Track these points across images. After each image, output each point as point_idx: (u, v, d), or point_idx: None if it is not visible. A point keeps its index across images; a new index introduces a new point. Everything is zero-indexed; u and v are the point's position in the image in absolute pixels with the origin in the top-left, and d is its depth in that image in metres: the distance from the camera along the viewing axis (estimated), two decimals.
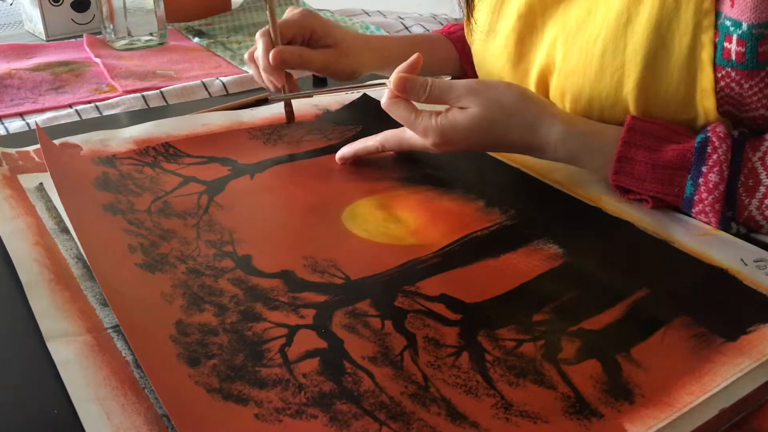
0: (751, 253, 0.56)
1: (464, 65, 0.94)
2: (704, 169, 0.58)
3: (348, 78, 0.84)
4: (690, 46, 0.59)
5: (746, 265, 0.54)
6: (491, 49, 0.78)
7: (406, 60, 0.87)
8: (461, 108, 0.63)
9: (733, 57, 0.58)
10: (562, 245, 0.57)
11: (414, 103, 0.65)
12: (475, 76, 0.88)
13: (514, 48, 0.74)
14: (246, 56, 0.82)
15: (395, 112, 0.65)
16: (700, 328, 0.47)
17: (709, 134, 0.59)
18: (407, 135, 0.67)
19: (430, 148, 0.66)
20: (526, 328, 0.47)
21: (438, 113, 0.64)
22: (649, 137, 0.61)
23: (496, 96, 0.63)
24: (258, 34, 0.79)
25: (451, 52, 0.93)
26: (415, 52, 0.87)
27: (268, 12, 0.77)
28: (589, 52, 0.65)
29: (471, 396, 0.42)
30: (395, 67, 0.87)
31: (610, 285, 0.52)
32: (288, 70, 0.80)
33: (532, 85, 0.73)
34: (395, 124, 0.81)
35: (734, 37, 0.57)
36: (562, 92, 0.68)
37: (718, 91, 0.60)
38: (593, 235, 0.59)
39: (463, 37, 0.93)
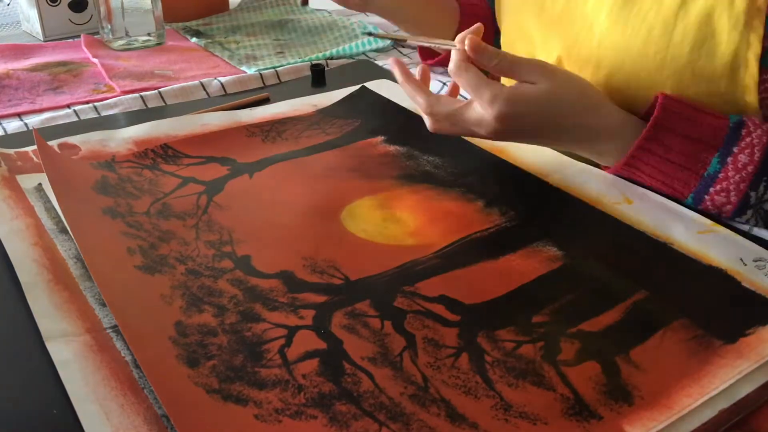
0: (751, 252, 0.56)
1: (462, 18, 0.96)
2: (735, 149, 0.59)
3: (358, 6, 0.85)
4: (738, 42, 0.59)
5: (745, 265, 0.54)
6: (528, 6, 0.76)
7: (414, 3, 0.87)
8: (530, 83, 0.63)
9: None
10: (562, 247, 0.57)
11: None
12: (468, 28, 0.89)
13: (561, 5, 0.72)
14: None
15: (463, 77, 0.63)
16: (699, 331, 0.47)
17: (744, 118, 0.60)
18: (462, 108, 0.64)
19: (487, 123, 0.62)
20: (525, 330, 0.47)
21: (506, 85, 0.63)
22: (683, 117, 0.61)
23: (565, 75, 0.64)
24: None
25: (454, 14, 0.94)
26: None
27: None
28: (635, 28, 0.64)
29: (470, 397, 0.42)
30: (402, 9, 0.89)
31: (609, 287, 0.52)
32: None
33: (559, 45, 0.71)
34: (394, 117, 0.81)
35: None
36: (598, 63, 0.67)
37: (761, 93, 0.60)
38: (593, 237, 0.60)
39: (470, 13, 0.93)
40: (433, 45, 0.71)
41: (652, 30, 0.63)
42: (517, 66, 0.63)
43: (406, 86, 0.68)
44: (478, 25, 0.66)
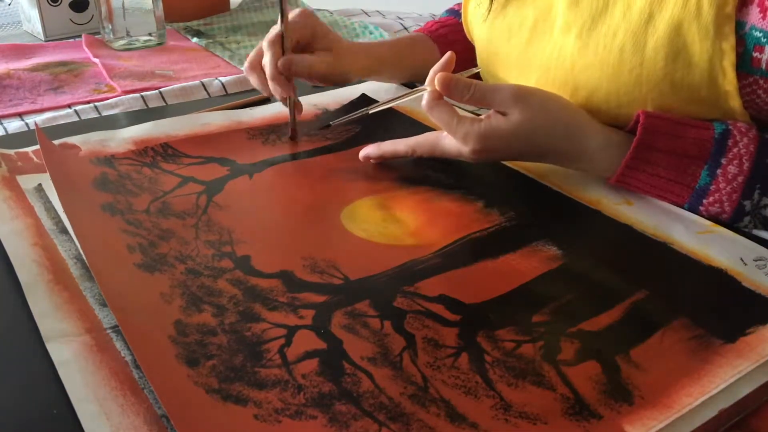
0: (751, 252, 0.56)
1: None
2: (723, 161, 0.59)
3: (342, 83, 0.84)
4: (710, 52, 0.59)
5: (746, 264, 0.54)
6: (498, 29, 0.76)
7: (392, 64, 0.87)
8: (503, 114, 0.62)
9: (763, 66, 0.58)
10: (561, 247, 0.57)
11: (455, 108, 0.65)
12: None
13: (528, 33, 0.72)
14: (247, 65, 0.79)
15: (437, 115, 0.64)
16: (699, 330, 0.47)
17: (730, 127, 0.59)
18: (443, 142, 0.66)
19: (467, 156, 0.64)
20: (525, 329, 0.47)
21: (479, 119, 0.63)
22: (665, 134, 0.61)
23: (540, 102, 0.63)
24: (266, 43, 0.76)
25: (433, 53, 0.92)
26: (400, 54, 0.87)
27: (280, 20, 0.75)
28: (606, 47, 0.64)
29: (470, 397, 0.42)
30: (383, 72, 0.87)
31: (609, 286, 0.52)
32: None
33: (535, 74, 0.71)
34: (394, 124, 0.81)
35: (767, 48, 0.57)
36: (575, 86, 0.67)
37: (744, 96, 0.60)
38: (592, 236, 0.60)
39: (445, 35, 0.92)
40: (405, 100, 0.72)
41: (624, 47, 0.62)
42: (490, 95, 0.63)
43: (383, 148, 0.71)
44: (448, 54, 0.66)
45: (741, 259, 0.55)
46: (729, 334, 0.47)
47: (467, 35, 0.87)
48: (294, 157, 0.73)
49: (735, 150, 0.59)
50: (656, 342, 0.46)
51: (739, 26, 0.58)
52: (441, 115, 0.64)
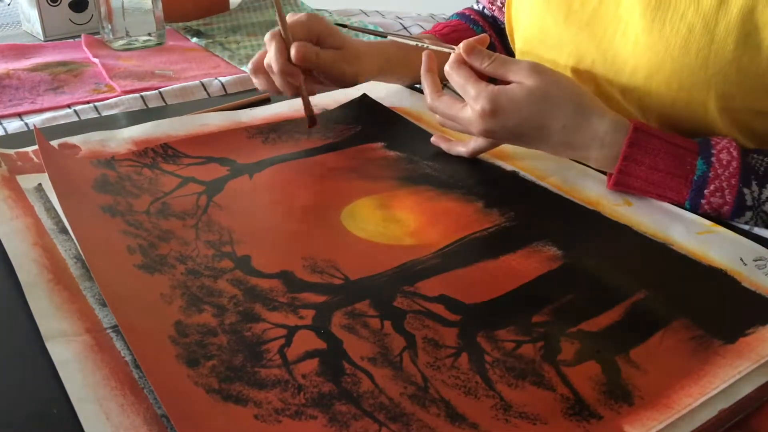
0: (751, 252, 0.56)
1: None
2: (714, 150, 0.60)
3: (350, 84, 0.83)
4: None
5: (745, 264, 0.54)
6: (554, 8, 0.75)
7: (401, 64, 0.86)
8: (518, 83, 0.64)
9: None
10: (561, 247, 0.57)
11: (474, 73, 0.66)
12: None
13: (590, 11, 0.71)
14: (251, 68, 0.79)
15: (454, 77, 0.65)
16: (699, 331, 0.47)
17: (708, 138, 0.62)
18: (457, 113, 0.67)
19: (476, 121, 0.64)
20: (525, 330, 0.47)
21: (492, 84, 0.64)
22: (656, 131, 0.63)
23: (554, 76, 0.64)
24: (267, 38, 0.76)
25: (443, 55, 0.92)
26: (408, 54, 0.86)
27: (276, 13, 0.75)
28: (674, 27, 0.63)
29: (470, 397, 0.42)
30: (392, 72, 0.87)
31: (609, 287, 0.52)
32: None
33: (592, 54, 0.71)
34: (395, 125, 0.81)
35: None
36: (635, 66, 0.66)
37: None
38: (592, 237, 0.60)
39: (456, 39, 0.92)
40: (431, 48, 0.72)
41: (693, 28, 0.62)
42: (508, 66, 0.64)
43: (423, 79, 0.71)
44: (484, 35, 0.67)
45: (741, 259, 0.55)
46: (729, 335, 0.47)
47: (508, 27, 0.85)
48: (294, 156, 0.73)
49: (720, 144, 0.61)
50: (656, 342, 0.46)
51: None
52: (458, 77, 0.65)
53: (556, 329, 0.47)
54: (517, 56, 0.82)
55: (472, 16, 0.95)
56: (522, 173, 0.70)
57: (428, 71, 0.70)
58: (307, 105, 0.78)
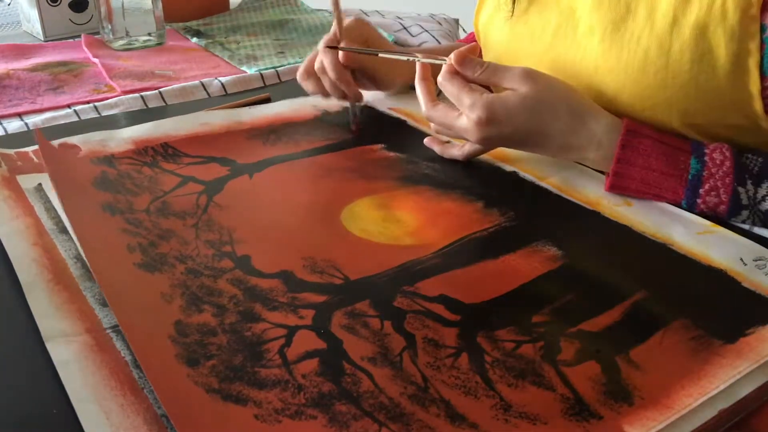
0: (751, 252, 0.56)
1: None
2: (706, 150, 0.61)
3: (384, 90, 0.86)
4: (736, 53, 0.59)
5: (745, 265, 0.54)
6: (519, 34, 0.76)
7: (437, 75, 0.87)
8: (512, 90, 0.64)
9: None
10: (561, 247, 0.57)
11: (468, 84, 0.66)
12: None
13: (550, 37, 0.72)
14: (301, 72, 0.83)
15: (448, 87, 0.66)
16: (699, 331, 0.47)
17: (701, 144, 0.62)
18: (453, 121, 0.67)
19: (472, 130, 0.65)
20: (525, 330, 0.47)
21: (487, 92, 0.65)
22: (649, 129, 0.63)
23: (547, 81, 0.65)
24: (322, 46, 0.79)
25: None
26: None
27: (335, 23, 0.78)
28: (630, 50, 0.64)
29: (470, 397, 0.42)
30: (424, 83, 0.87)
31: (609, 287, 0.52)
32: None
33: (559, 77, 0.70)
34: (394, 132, 0.81)
35: None
36: (599, 89, 0.67)
37: (764, 100, 0.60)
38: (592, 237, 0.60)
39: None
40: (424, 61, 0.72)
41: (648, 51, 0.63)
42: (501, 72, 0.65)
43: (418, 86, 0.71)
44: (473, 44, 0.69)
45: (741, 259, 0.55)
46: (729, 335, 0.47)
47: (477, 42, 0.86)
48: (294, 157, 0.73)
49: (711, 145, 0.61)
50: (656, 342, 0.46)
51: (761, 29, 0.59)
52: (452, 87, 0.65)
53: (556, 329, 0.47)
54: None
55: None
56: (522, 173, 0.70)
57: (422, 80, 0.70)
58: (354, 113, 0.82)
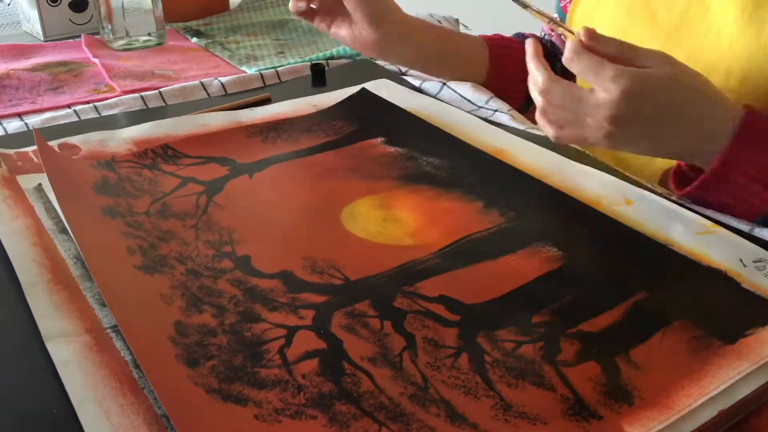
0: (750, 253, 0.56)
1: (492, 70, 0.90)
2: None
3: (392, 56, 0.84)
4: None
5: (745, 266, 0.54)
6: (638, 17, 0.72)
7: (440, 56, 0.84)
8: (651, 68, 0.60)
9: None
10: (561, 247, 0.57)
11: None
12: (498, 81, 0.86)
13: (677, 18, 0.69)
14: None
15: (581, 62, 0.60)
16: (699, 331, 0.47)
17: None
18: (580, 95, 0.61)
19: (611, 104, 0.58)
20: (525, 330, 0.47)
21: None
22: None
23: (686, 66, 0.61)
24: None
25: (483, 51, 0.90)
26: (448, 47, 0.86)
27: None
28: None
29: (470, 397, 0.42)
30: (431, 63, 0.85)
31: (609, 287, 0.52)
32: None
33: (680, 55, 0.65)
34: (394, 122, 0.81)
35: None
36: (728, 67, 0.64)
37: None
38: (592, 237, 0.60)
39: (499, 42, 0.91)
40: (554, 25, 0.67)
41: None
42: (637, 51, 0.60)
43: (532, 62, 0.65)
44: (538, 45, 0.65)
45: (740, 260, 0.55)
46: (728, 335, 0.47)
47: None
48: (294, 155, 0.73)
49: None
50: (656, 343, 0.46)
51: None
52: (588, 59, 0.59)
53: (556, 329, 0.47)
54: None
55: (528, 36, 0.94)
56: (523, 172, 0.69)
57: (537, 56, 0.65)
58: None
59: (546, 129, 0.65)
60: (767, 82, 0.63)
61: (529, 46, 0.66)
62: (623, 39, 0.68)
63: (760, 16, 0.63)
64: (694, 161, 0.64)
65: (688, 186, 0.63)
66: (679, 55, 0.66)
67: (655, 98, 0.59)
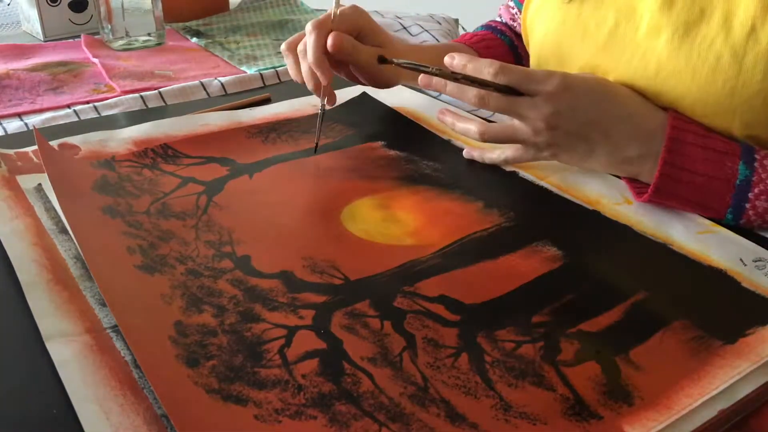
0: (750, 252, 0.56)
1: None
2: (757, 156, 0.60)
3: (385, 84, 0.81)
4: None
5: (745, 265, 0.54)
6: (570, 29, 0.73)
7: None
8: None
9: None
10: (561, 247, 0.57)
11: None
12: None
13: (606, 35, 0.70)
14: (284, 47, 0.78)
15: (511, 74, 0.62)
16: (699, 331, 0.47)
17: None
18: (514, 104, 0.63)
19: (543, 105, 0.62)
20: (525, 330, 0.47)
21: None
22: (694, 132, 0.62)
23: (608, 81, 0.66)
24: (311, 25, 0.73)
25: (471, 53, 0.90)
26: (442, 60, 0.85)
27: (335, 5, 0.73)
28: (701, 56, 0.62)
29: (470, 397, 0.42)
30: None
31: (609, 287, 0.52)
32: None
33: (610, 77, 0.69)
34: (394, 123, 0.81)
35: None
36: (658, 92, 0.65)
37: None
38: (592, 237, 0.60)
39: (487, 47, 0.90)
40: (463, 80, 0.65)
41: (720, 58, 0.61)
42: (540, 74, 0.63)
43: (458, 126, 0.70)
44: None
45: (740, 259, 0.55)
46: (728, 335, 0.47)
47: (524, 38, 0.84)
48: (294, 156, 0.73)
49: (762, 152, 0.60)
50: (656, 343, 0.46)
51: None
52: (517, 71, 0.62)
53: (556, 329, 0.48)
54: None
55: (498, 27, 0.94)
56: (522, 173, 0.70)
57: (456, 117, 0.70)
58: (320, 123, 0.75)
59: (491, 154, 0.70)
60: (694, 105, 0.63)
61: (445, 117, 0.72)
62: (556, 49, 0.74)
63: (689, 42, 0.63)
64: (629, 172, 0.65)
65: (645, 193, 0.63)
66: (607, 71, 0.69)
67: (586, 96, 0.63)
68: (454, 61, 0.65)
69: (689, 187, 0.61)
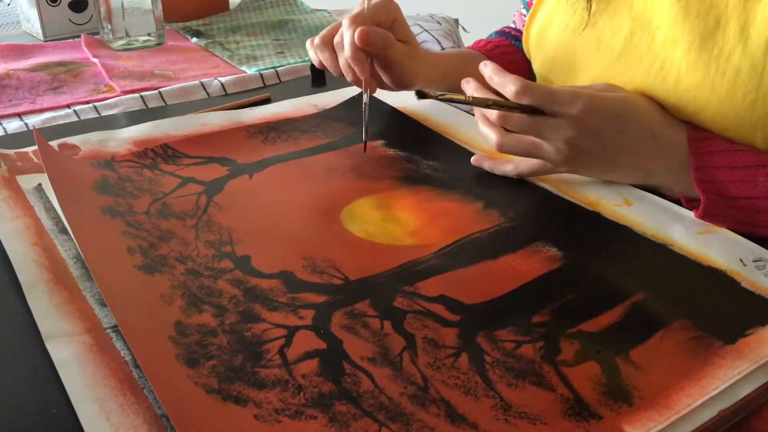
0: (750, 252, 0.56)
1: None
2: None
3: (404, 85, 0.79)
4: None
5: (745, 265, 0.54)
6: (584, 41, 0.72)
7: (453, 76, 0.81)
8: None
9: None
10: (561, 248, 0.57)
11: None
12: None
13: (621, 45, 0.69)
14: (318, 42, 0.78)
15: (534, 94, 0.60)
16: (699, 331, 0.47)
17: None
18: (536, 121, 0.62)
19: (567, 126, 0.60)
20: (525, 330, 0.47)
21: None
22: (722, 142, 0.61)
23: (638, 93, 0.65)
24: (348, 20, 0.73)
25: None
26: (458, 67, 0.83)
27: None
28: (720, 68, 0.61)
29: (470, 397, 0.42)
30: (442, 83, 0.83)
31: (609, 287, 0.52)
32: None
33: (624, 86, 0.68)
34: (395, 126, 0.81)
35: None
36: (676, 104, 0.64)
37: None
38: (592, 237, 0.60)
39: (501, 54, 0.90)
40: (494, 107, 0.64)
41: (740, 71, 0.59)
42: (583, 87, 0.63)
43: (481, 93, 0.66)
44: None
45: (740, 260, 0.55)
46: (728, 335, 0.47)
47: (524, 44, 0.83)
48: (294, 156, 0.73)
49: None
50: (656, 343, 0.46)
51: None
52: (541, 90, 0.61)
53: (556, 329, 0.48)
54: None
55: (512, 33, 0.94)
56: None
57: (482, 118, 0.67)
58: (366, 124, 0.74)
59: (503, 166, 0.69)
60: (715, 119, 0.62)
61: (468, 84, 0.68)
62: (567, 62, 0.73)
63: (707, 54, 0.61)
64: (650, 183, 0.65)
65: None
66: (623, 82, 0.67)
67: (611, 117, 0.61)
68: (486, 68, 0.65)
69: (733, 212, 0.60)
